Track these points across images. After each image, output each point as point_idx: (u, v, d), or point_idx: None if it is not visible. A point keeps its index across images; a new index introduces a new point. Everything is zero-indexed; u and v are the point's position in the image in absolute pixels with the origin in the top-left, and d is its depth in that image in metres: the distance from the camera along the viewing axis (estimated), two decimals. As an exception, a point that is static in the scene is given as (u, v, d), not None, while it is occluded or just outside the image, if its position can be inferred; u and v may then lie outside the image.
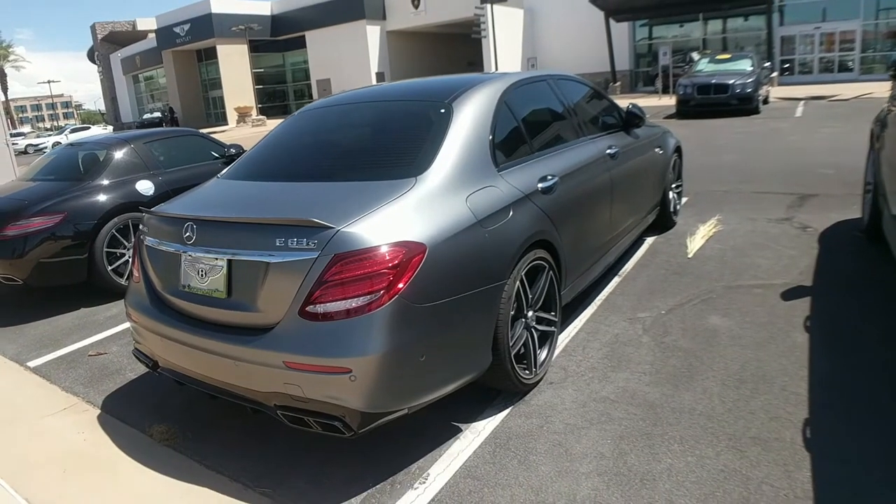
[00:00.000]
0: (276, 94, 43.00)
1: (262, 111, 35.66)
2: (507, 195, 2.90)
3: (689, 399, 2.97)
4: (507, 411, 2.97)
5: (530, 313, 3.04)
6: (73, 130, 38.55)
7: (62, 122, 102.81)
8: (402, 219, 2.42)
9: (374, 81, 32.72)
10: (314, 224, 2.30)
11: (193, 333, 2.60)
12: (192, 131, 6.84)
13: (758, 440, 2.64)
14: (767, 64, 18.29)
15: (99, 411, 3.43)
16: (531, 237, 2.94)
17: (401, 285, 2.28)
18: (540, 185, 3.16)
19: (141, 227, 3.05)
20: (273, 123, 28.84)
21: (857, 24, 24.78)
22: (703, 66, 17.00)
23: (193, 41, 38.91)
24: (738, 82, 14.28)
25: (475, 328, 2.62)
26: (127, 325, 4.65)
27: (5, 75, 63.79)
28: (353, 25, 34.61)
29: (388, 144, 3.07)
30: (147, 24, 48.76)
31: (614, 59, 27.57)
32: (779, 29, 25.65)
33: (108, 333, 4.63)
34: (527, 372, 3.00)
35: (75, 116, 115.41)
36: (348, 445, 2.78)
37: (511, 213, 2.86)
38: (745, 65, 15.81)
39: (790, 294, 4.10)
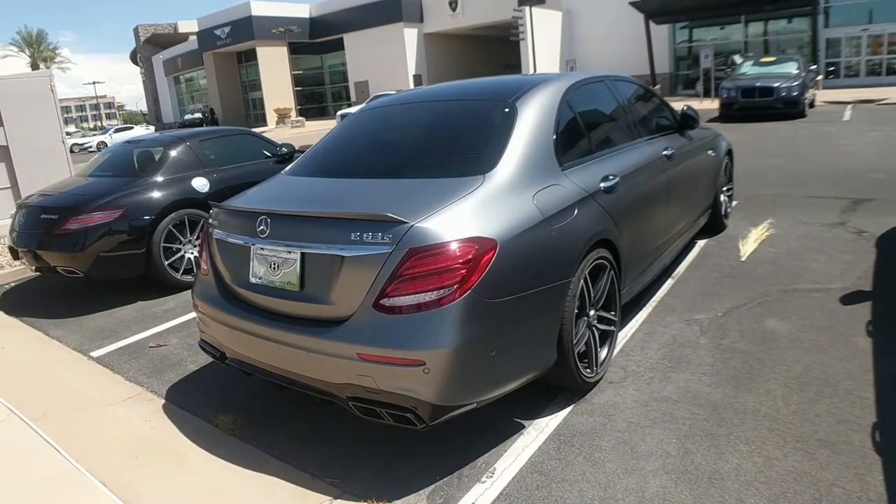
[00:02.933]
0: (314, 96, 43.61)
1: (300, 112, 36.16)
2: (571, 194, 2.94)
3: (753, 401, 2.96)
4: (568, 409, 3.00)
5: (592, 312, 3.06)
6: (117, 130, 39.64)
7: (105, 123, 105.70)
8: (473, 215, 2.47)
9: (411, 84, 32.95)
10: (389, 219, 2.36)
11: (264, 325, 2.68)
12: (244, 130, 7.01)
13: (826, 443, 2.61)
14: (813, 67, 17.91)
15: (163, 401, 3.53)
16: (595, 236, 2.96)
17: (473, 280, 2.33)
18: (602, 185, 3.18)
19: (209, 220, 3.14)
20: (312, 125, 29.27)
21: (906, 25, 24.12)
22: (747, 68, 16.72)
23: (234, 43, 39.72)
24: (783, 85, 14.03)
25: (542, 325, 2.66)
26: (184, 318, 4.83)
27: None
28: (390, 28, 34.95)
29: (454, 143, 3.12)
30: (188, 26, 49.90)
31: (654, 61, 27.26)
32: (824, 31, 25.07)
33: (167, 326, 4.77)
34: (588, 370, 3.02)
35: (117, 117, 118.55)
36: (413, 439, 2.84)
37: (576, 211, 2.89)
38: (791, 68, 15.50)
39: (850, 298, 4.03)
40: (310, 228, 2.58)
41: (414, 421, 2.37)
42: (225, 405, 3.37)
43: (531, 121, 3.00)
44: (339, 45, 38.58)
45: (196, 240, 5.68)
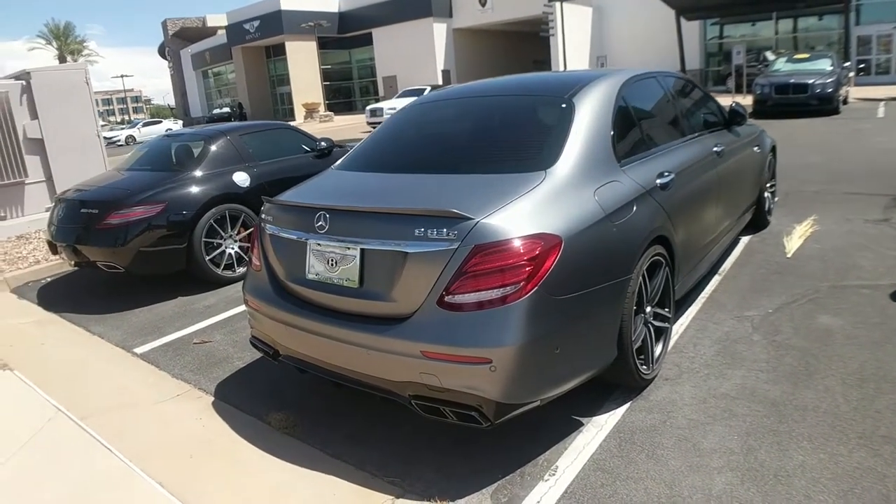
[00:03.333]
0: (342, 91, 43.76)
1: (328, 107, 36.30)
2: (630, 190, 2.93)
3: (812, 397, 2.93)
4: (626, 406, 2.99)
5: (648, 308, 3.06)
6: (146, 124, 40.14)
7: (133, 117, 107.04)
8: (537, 211, 2.47)
9: (440, 79, 32.94)
10: (454, 215, 2.36)
11: (321, 322, 2.67)
12: (283, 125, 7.05)
13: (889, 439, 2.59)
14: (847, 64, 17.60)
15: (212, 398, 3.48)
16: (652, 232, 2.95)
17: (540, 277, 2.33)
18: (658, 181, 3.17)
19: (262, 214, 3.15)
20: (340, 119, 29.38)
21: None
22: (781, 65, 16.48)
23: (263, 38, 39.92)
24: (817, 82, 13.80)
25: (603, 322, 2.66)
26: (227, 314, 4.83)
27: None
28: (419, 23, 34.94)
29: (512, 138, 3.12)
30: (217, 20, 50.22)
31: (684, 57, 26.95)
32: (854, 28, 24.60)
33: (210, 322, 4.74)
34: (644, 367, 3.01)
35: (144, 111, 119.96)
36: (469, 437, 2.83)
37: (634, 208, 2.89)
38: (825, 64, 15.24)
39: (902, 296, 3.97)
40: (370, 224, 2.58)
41: (479, 419, 2.37)
42: (277, 402, 3.34)
43: (589, 117, 3.00)
44: (367, 40, 38.64)
45: (237, 234, 5.73)
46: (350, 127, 26.61)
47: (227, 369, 3.86)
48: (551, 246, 2.37)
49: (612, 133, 3.04)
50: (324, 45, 38.67)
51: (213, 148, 6.03)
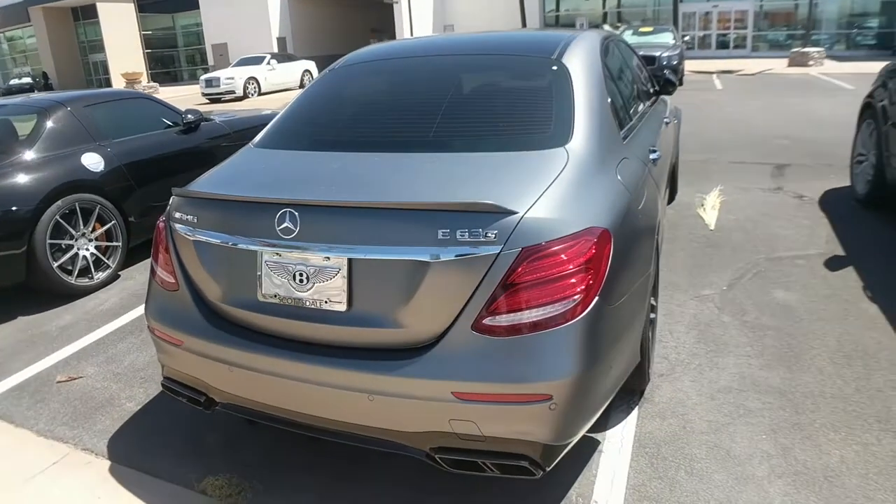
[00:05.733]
0: (165, 60, 39.56)
1: (153, 77, 32.68)
2: (638, 168, 2.56)
3: (812, 381, 2.81)
4: (635, 413, 2.67)
5: (652, 300, 2.73)
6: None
7: None
8: (576, 199, 1.98)
9: (275, 47, 30.87)
10: (493, 209, 1.81)
11: (289, 359, 2.01)
12: (138, 93, 5.84)
13: (907, 422, 2.51)
14: (686, 38, 18.90)
15: (108, 462, 2.59)
16: (661, 215, 2.61)
17: (599, 283, 1.87)
18: (651, 157, 2.84)
19: (172, 213, 2.35)
20: (166, 91, 26.53)
21: (749, 5, 26.20)
22: (627, 38, 17.27)
23: (68, -3, 34.92)
24: (664, 54, 14.56)
25: (636, 324, 2.25)
26: (94, 335, 3.83)
27: None
28: (252, -13, 32.36)
29: (510, 107, 2.55)
30: (6, -24, 43.13)
31: (526, 26, 27.61)
32: (681, 5, 26.62)
33: (72, 349, 3.65)
34: (648, 366, 2.70)
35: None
36: (477, 482, 2.31)
37: (645, 189, 2.53)
38: (668, 38, 16.20)
39: (833, 264, 4.07)
40: (365, 225, 1.93)
41: (530, 469, 1.87)
42: (208, 459, 2.56)
43: (585, 82, 2.54)
44: (193, 4, 35.02)
45: (92, 232, 4.65)
46: (181, 99, 24.04)
47: (116, 416, 2.93)
48: (604, 242, 1.92)
49: (609, 101, 2.62)
50: (143, 7, 34.70)
51: (51, 123, 4.79)
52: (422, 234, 1.84)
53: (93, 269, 4.65)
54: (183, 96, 24.20)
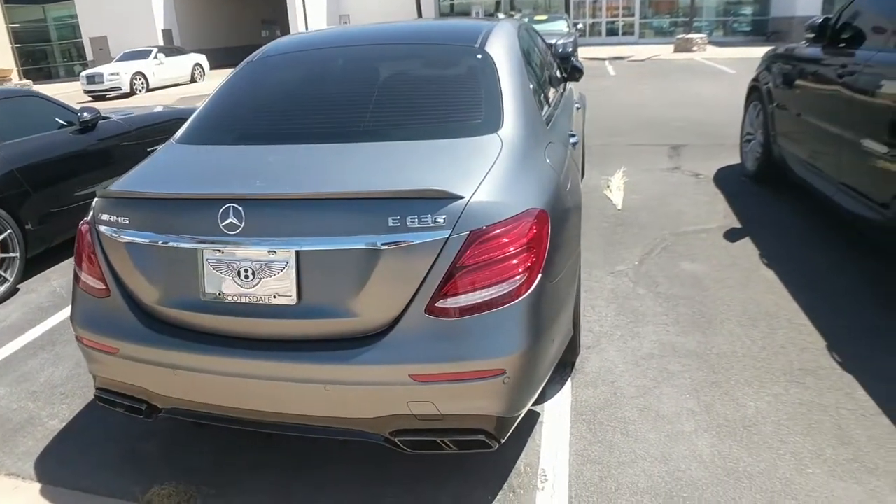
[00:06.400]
0: (37, 55, 36.50)
1: (25, 74, 30.08)
2: (562, 151, 2.69)
3: (724, 343, 3.07)
4: (568, 384, 2.82)
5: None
6: None
7: None
8: (513, 182, 2.07)
9: (160, 40, 29.25)
10: (442, 194, 1.87)
11: (238, 357, 2.00)
12: (27, 91, 5.41)
13: (807, 371, 2.81)
14: (579, 25, 19.60)
15: (38, 485, 2.44)
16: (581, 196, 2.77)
17: (540, 261, 1.98)
18: (571, 141, 2.99)
19: (98, 215, 2.24)
20: (41, 89, 24.59)
21: (635, -7, 27.59)
22: (522, 26, 17.71)
23: (-88, -14, 31.44)
24: (560, 42, 15.07)
25: (570, 299, 2.39)
26: (1, 354, 3.54)
27: None
28: (131, -24, 30.41)
29: (437, 96, 2.60)
30: None
31: (421, 16, 27.67)
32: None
33: None
34: (578, 339, 2.86)
35: None
36: (415, 459, 2.35)
37: (570, 172, 2.66)
38: (562, 25, 16.78)
39: (731, 236, 4.43)
40: (312, 216, 1.93)
41: (487, 442, 1.96)
42: (150, 469, 2.46)
43: (509, 70, 2.64)
44: (66, -6, 32.70)
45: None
46: (62, 97, 22.36)
47: (39, 436, 2.76)
48: (543, 222, 2.02)
49: (531, 87, 2.74)
50: (8, -2, 31.93)
51: (-75, 127, 4.41)
52: (372, 223, 1.87)
53: (-10, 282, 4.32)
54: (62, 94, 22.38)
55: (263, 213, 1.96)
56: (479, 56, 2.67)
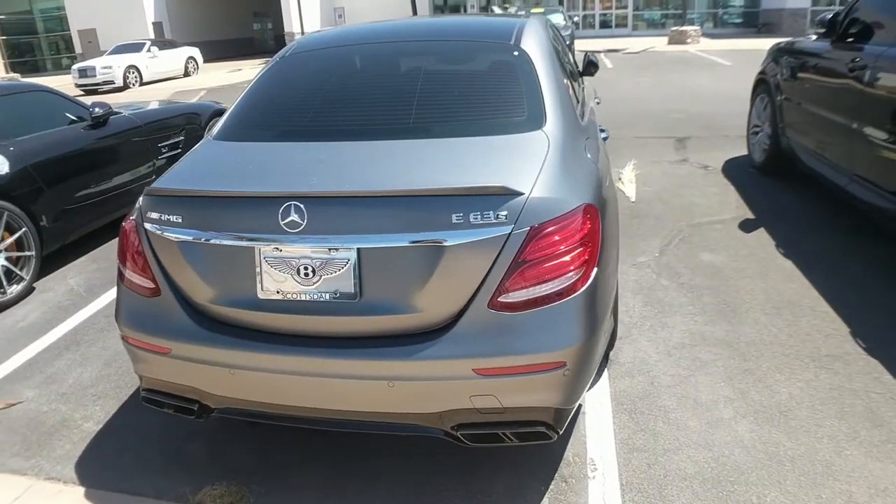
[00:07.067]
0: (24, 48, 35.99)
1: (12, 68, 29.67)
2: (598, 147, 2.73)
3: (751, 332, 3.13)
4: (605, 375, 2.87)
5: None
6: None
7: None
8: (565, 178, 2.10)
9: (150, 33, 28.99)
10: (503, 191, 1.90)
11: (298, 355, 2.01)
12: (38, 86, 5.36)
13: (834, 357, 2.89)
14: (576, 18, 19.64)
15: (82, 488, 2.40)
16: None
17: (595, 254, 2.02)
18: (602, 136, 3.03)
19: (147, 214, 2.22)
20: (31, 82, 24.29)
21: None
22: (518, 19, 17.71)
23: None
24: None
25: (614, 291, 2.45)
26: (24, 355, 3.53)
27: None
28: (120, -34, 30.05)
29: (480, 92, 2.63)
30: None
31: (416, 11, 27.55)
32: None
33: (1, 373, 3.33)
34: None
35: None
36: (470, 455, 2.41)
37: (607, 167, 2.71)
38: (559, 18, 16.82)
39: (746, 226, 4.50)
40: (375, 214, 1.95)
41: (547, 433, 2.01)
42: (194, 471, 2.44)
43: (545, 65, 2.67)
44: (53, -15, 32.27)
45: (0, 242, 4.28)
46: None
47: (76, 438, 2.71)
48: (595, 217, 2.06)
49: (566, 82, 2.78)
50: (-8, -10, 31.47)
51: (-61, 123, 4.38)
52: (436, 220, 1.89)
53: (4, 283, 4.29)
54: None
55: (325, 210, 1.97)
56: (516, 53, 2.70)
